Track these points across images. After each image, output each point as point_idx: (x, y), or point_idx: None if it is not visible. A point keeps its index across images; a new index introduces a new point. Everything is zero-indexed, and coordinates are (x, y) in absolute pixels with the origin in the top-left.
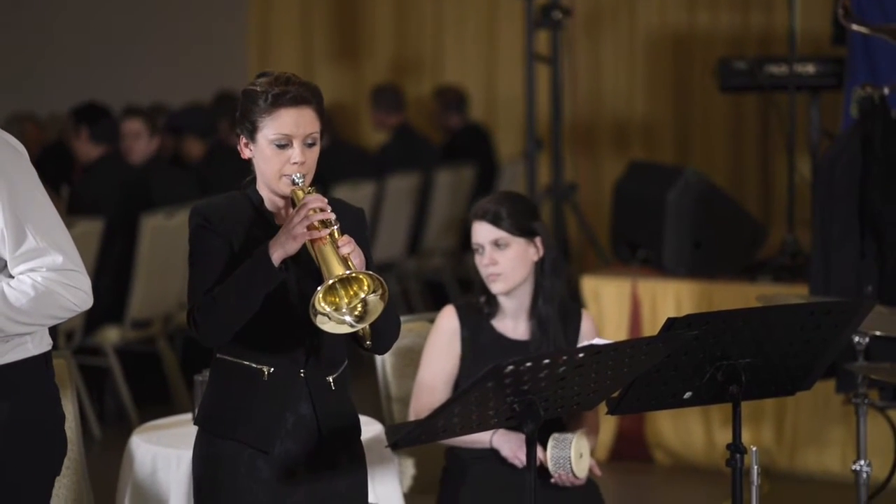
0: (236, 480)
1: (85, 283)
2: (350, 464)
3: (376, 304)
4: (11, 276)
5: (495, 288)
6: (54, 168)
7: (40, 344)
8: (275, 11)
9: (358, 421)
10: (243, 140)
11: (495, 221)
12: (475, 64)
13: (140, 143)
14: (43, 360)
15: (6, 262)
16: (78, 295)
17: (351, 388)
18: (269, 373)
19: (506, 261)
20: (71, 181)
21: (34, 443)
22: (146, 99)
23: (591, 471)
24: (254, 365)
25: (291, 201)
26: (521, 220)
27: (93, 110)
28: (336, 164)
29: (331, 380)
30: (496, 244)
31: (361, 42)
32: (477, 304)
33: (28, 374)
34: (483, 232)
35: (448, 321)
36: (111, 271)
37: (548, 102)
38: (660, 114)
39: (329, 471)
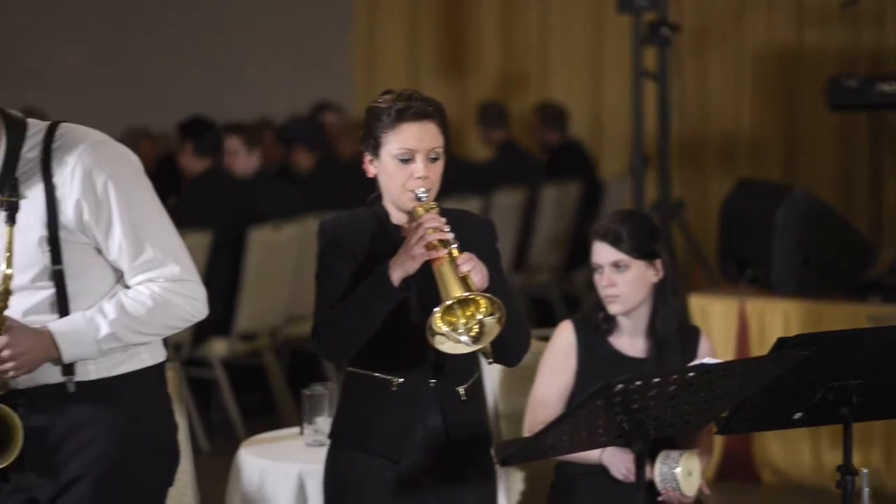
0: (365, 492)
1: (200, 292)
2: (479, 476)
3: (493, 326)
4: (127, 287)
5: (613, 309)
6: (164, 182)
7: (155, 354)
8: (381, 26)
9: (489, 433)
10: (367, 157)
11: (616, 243)
12: (581, 80)
13: (238, 160)
14: (157, 371)
15: (123, 272)
16: (194, 305)
17: (484, 399)
18: (398, 384)
19: (624, 283)
20: (178, 194)
21: (149, 452)
22: (253, 114)
23: (699, 490)
24: (383, 376)
25: (413, 217)
26: (642, 243)
27: (198, 125)
28: (444, 179)
29: (461, 390)
30: (616, 266)
31: (467, 57)
32: (594, 320)
33: (143, 385)
34: (603, 253)
35: (565, 336)
36: (219, 284)
37: (655, 119)
38: (767, 131)
39: (458, 483)
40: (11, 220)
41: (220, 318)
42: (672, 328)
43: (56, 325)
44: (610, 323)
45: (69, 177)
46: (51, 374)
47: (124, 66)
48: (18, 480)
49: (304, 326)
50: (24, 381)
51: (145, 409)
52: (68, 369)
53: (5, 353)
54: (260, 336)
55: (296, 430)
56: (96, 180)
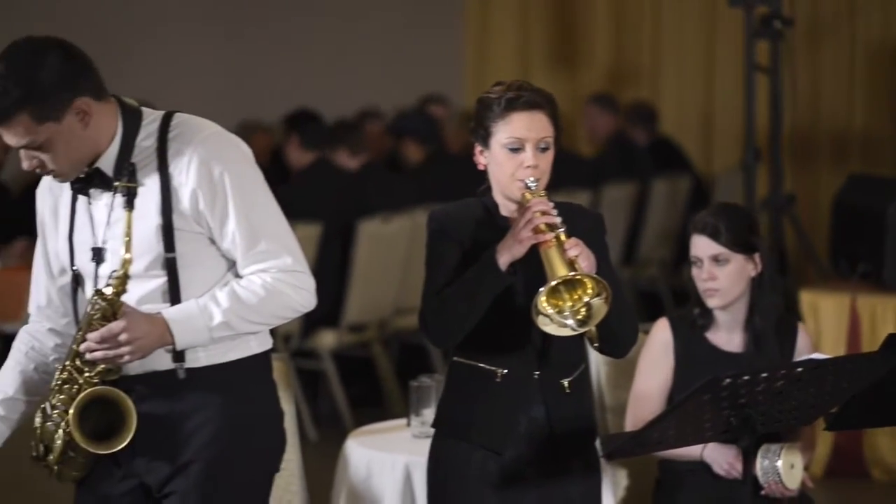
0: (467, 482)
1: (310, 283)
2: (584, 470)
3: (599, 307)
4: (239, 276)
5: (712, 303)
6: (273, 174)
7: (263, 342)
8: (491, 19)
9: (594, 426)
10: (478, 148)
11: (715, 236)
12: (693, 74)
13: (342, 162)
14: (264, 358)
15: (235, 262)
16: (304, 296)
17: (590, 392)
18: (502, 374)
19: (724, 276)
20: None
21: (257, 438)
22: (356, 104)
23: (803, 484)
24: (488, 367)
25: (522, 206)
26: (741, 236)
27: (303, 117)
28: (553, 172)
29: (565, 382)
30: (715, 259)
31: (579, 50)
32: (691, 316)
33: (251, 372)
34: (702, 246)
35: (661, 333)
36: (328, 276)
37: (766, 113)
38: (880, 126)
39: (561, 476)
40: (130, 205)
41: (329, 310)
42: (770, 322)
43: (170, 311)
44: (707, 318)
45: (185, 166)
46: (162, 361)
47: (236, 60)
48: (129, 466)
49: (412, 318)
50: (135, 368)
51: (253, 396)
52: (179, 356)
53: (123, 336)
54: (369, 327)
55: (403, 421)
56: (213, 170)
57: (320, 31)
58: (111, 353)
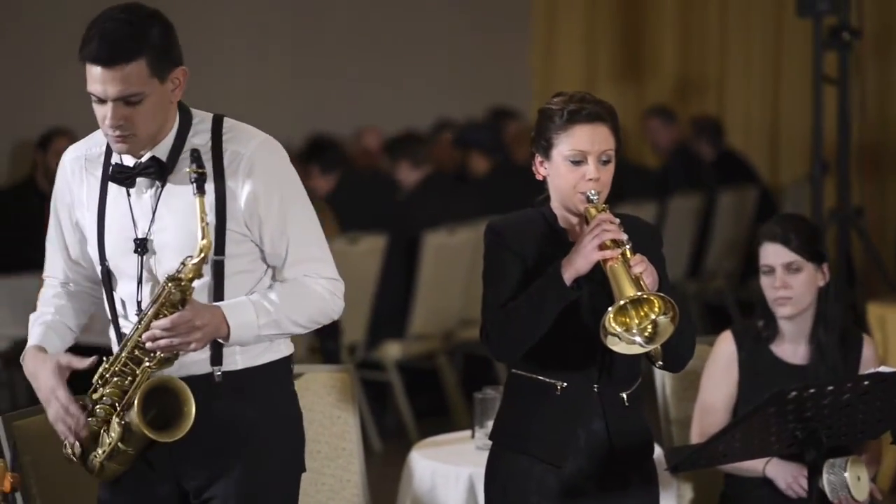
0: (526, 496)
1: (343, 292)
2: (642, 483)
3: (666, 326)
4: (280, 280)
5: (783, 311)
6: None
7: (288, 346)
8: (558, 30)
9: (652, 439)
10: (538, 159)
11: (788, 244)
12: (760, 85)
13: (405, 175)
14: (288, 363)
15: (277, 267)
16: (339, 305)
17: (645, 405)
18: (561, 388)
19: (797, 285)
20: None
21: (288, 440)
22: (428, 117)
23: (871, 495)
24: (547, 380)
25: (584, 219)
26: (812, 245)
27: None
28: (618, 184)
29: (624, 396)
30: (788, 268)
31: (645, 61)
32: (755, 328)
33: (279, 375)
34: (775, 254)
35: (726, 346)
36: (393, 287)
37: (834, 125)
38: None
39: (620, 490)
40: (201, 190)
41: (394, 321)
42: (835, 334)
43: (226, 304)
44: (771, 329)
45: (242, 170)
46: (199, 365)
47: (302, 76)
48: (165, 469)
49: (477, 330)
50: (172, 372)
51: (284, 398)
52: (216, 359)
53: (198, 321)
54: (434, 339)
55: (467, 433)
56: (267, 176)
57: (392, 43)
58: (177, 340)
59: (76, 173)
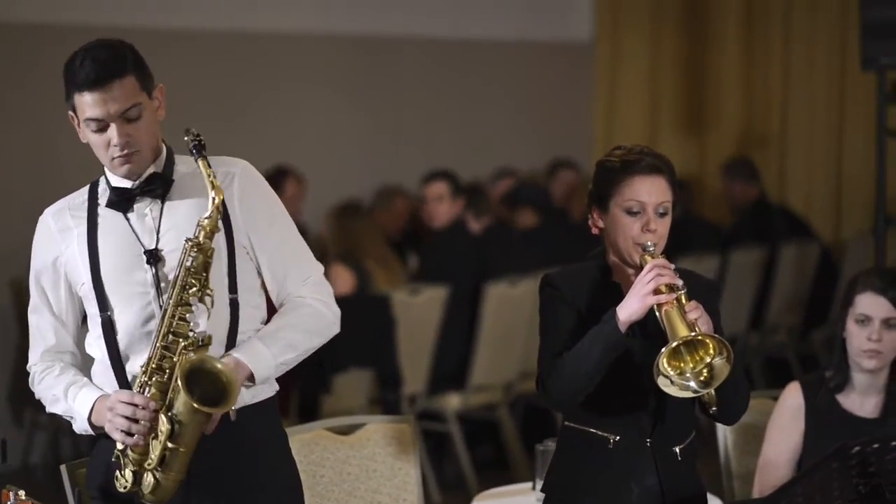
0: None
1: (331, 294)
2: None
3: (722, 367)
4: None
5: (869, 364)
6: (412, 236)
7: (274, 386)
8: (622, 80)
9: (705, 495)
10: (595, 211)
11: (892, 299)
12: (822, 137)
13: (443, 206)
14: (277, 398)
15: (274, 290)
16: (337, 324)
17: (699, 461)
18: (614, 441)
19: (890, 340)
20: (419, 250)
21: (292, 470)
22: (488, 166)
23: None
24: (600, 433)
25: (640, 270)
26: None
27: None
28: (682, 237)
29: (677, 450)
30: (887, 322)
31: (708, 113)
32: (823, 379)
33: (275, 410)
34: (877, 306)
35: (793, 398)
36: (455, 338)
37: None
38: None
39: None
40: (201, 153)
41: (455, 372)
42: None
43: (239, 351)
44: (840, 379)
45: (234, 185)
46: None
47: (374, 125)
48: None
49: None
50: None
51: (280, 431)
52: None
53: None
54: (494, 390)
55: (528, 485)
56: (258, 191)
57: (456, 95)
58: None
59: (60, 221)
